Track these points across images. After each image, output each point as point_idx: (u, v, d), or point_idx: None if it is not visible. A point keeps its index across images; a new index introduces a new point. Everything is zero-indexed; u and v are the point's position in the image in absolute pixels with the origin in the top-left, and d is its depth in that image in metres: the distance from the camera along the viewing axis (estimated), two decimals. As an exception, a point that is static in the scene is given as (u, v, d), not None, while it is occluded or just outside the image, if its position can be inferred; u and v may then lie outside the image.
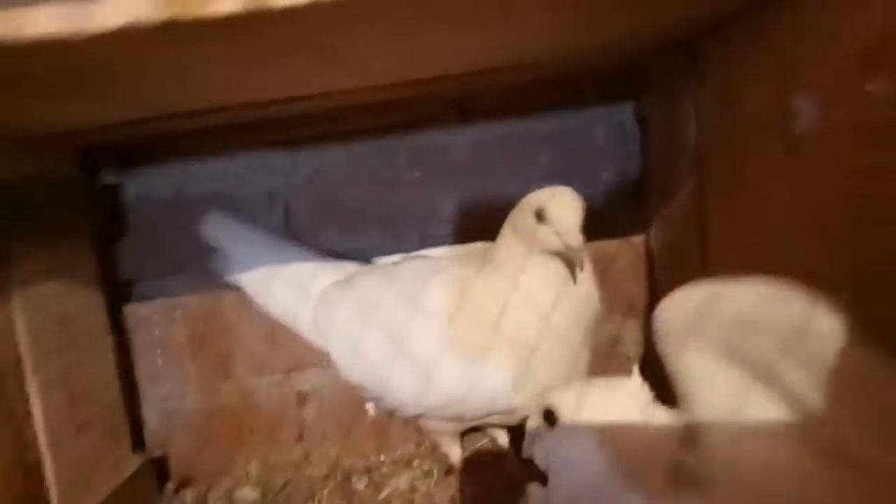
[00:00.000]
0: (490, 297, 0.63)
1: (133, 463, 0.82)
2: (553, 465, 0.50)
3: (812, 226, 0.43)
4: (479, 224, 0.84)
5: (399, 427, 0.87)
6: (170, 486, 0.86)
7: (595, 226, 0.81)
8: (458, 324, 0.64)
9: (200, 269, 0.86)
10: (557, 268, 0.62)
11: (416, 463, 0.83)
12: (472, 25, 0.46)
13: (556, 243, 0.60)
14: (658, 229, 0.77)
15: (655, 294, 0.81)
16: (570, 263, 0.61)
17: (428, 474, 0.80)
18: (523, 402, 0.63)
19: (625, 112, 0.83)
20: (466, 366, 0.64)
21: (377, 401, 0.75)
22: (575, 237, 0.59)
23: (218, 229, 0.80)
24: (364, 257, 0.81)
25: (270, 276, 0.77)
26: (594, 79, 0.82)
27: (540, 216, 0.60)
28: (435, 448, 0.85)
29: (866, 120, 0.36)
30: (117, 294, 0.85)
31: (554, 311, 0.62)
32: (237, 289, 0.84)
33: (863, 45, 0.36)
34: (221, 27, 0.39)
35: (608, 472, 0.45)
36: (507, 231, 0.65)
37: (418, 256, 0.76)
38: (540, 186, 0.82)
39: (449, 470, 0.80)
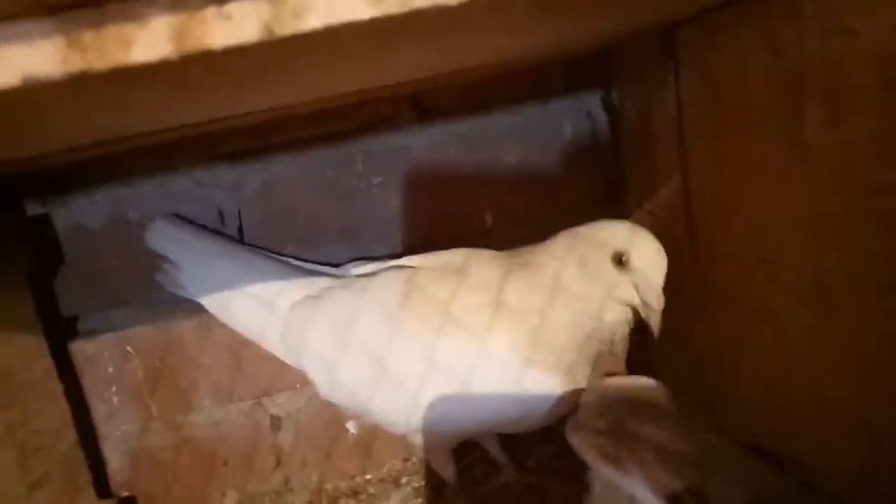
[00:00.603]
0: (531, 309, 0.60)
1: (99, 511, 0.76)
2: None
3: (826, 238, 0.40)
4: (447, 230, 0.80)
5: (383, 443, 0.84)
6: (138, 526, 0.81)
7: (570, 224, 0.79)
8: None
9: (149, 298, 0.80)
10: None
11: (404, 480, 0.80)
12: (449, 43, 0.41)
13: (633, 297, 0.56)
14: (638, 221, 0.74)
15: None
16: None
17: (419, 493, 0.77)
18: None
19: (593, 100, 0.79)
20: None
21: (361, 418, 0.71)
22: (658, 297, 0.54)
23: (164, 240, 0.73)
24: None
25: (231, 290, 0.71)
26: (560, 66, 0.78)
27: (620, 261, 0.55)
28: (424, 463, 0.83)
29: (886, 131, 0.33)
30: (60, 333, 0.78)
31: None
32: (194, 313, 0.78)
33: (886, 44, 0.32)
34: (152, 72, 0.33)
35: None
36: (566, 257, 0.59)
37: (392, 266, 0.71)
38: (508, 185, 0.80)
39: (440, 488, 0.77)
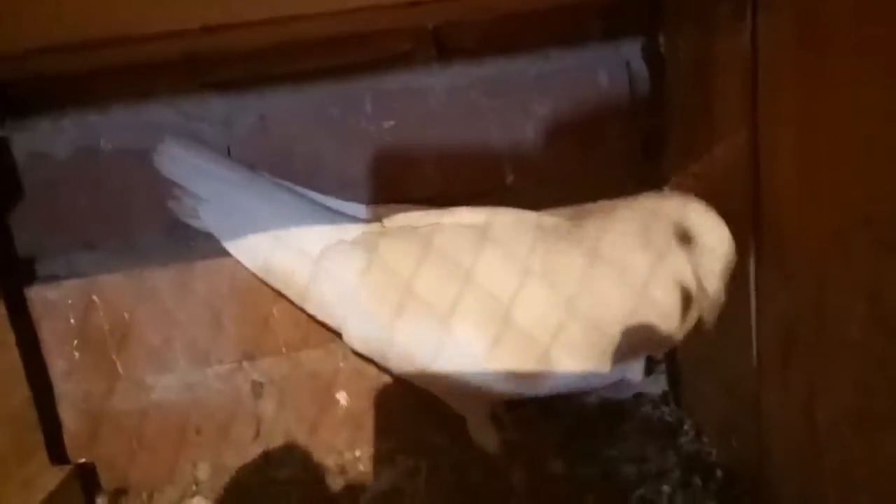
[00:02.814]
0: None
1: (52, 476, 0.68)
2: None
3: None
4: (462, 186, 0.72)
5: (376, 417, 0.76)
6: (101, 499, 0.73)
7: (599, 185, 0.72)
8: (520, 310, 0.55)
9: (120, 242, 0.71)
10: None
11: (399, 459, 0.73)
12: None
13: (689, 279, 0.51)
14: (681, 188, 0.66)
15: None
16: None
17: (415, 473, 0.70)
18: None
19: (632, 50, 0.71)
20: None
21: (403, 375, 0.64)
22: (717, 286, 0.49)
23: (177, 165, 0.65)
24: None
25: (254, 228, 0.64)
26: (596, 8, 0.69)
27: (684, 238, 0.50)
28: (419, 441, 0.75)
29: None
30: (16, 277, 0.69)
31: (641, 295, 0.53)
32: (171, 262, 0.69)
33: None
34: None
35: None
36: (628, 223, 0.53)
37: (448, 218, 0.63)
38: (534, 139, 0.72)
39: (439, 469, 0.70)
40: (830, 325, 0.47)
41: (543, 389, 0.59)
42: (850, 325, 0.45)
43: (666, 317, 0.53)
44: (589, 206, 0.61)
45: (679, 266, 0.51)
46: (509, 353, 0.57)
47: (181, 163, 0.65)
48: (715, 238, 0.50)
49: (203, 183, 0.64)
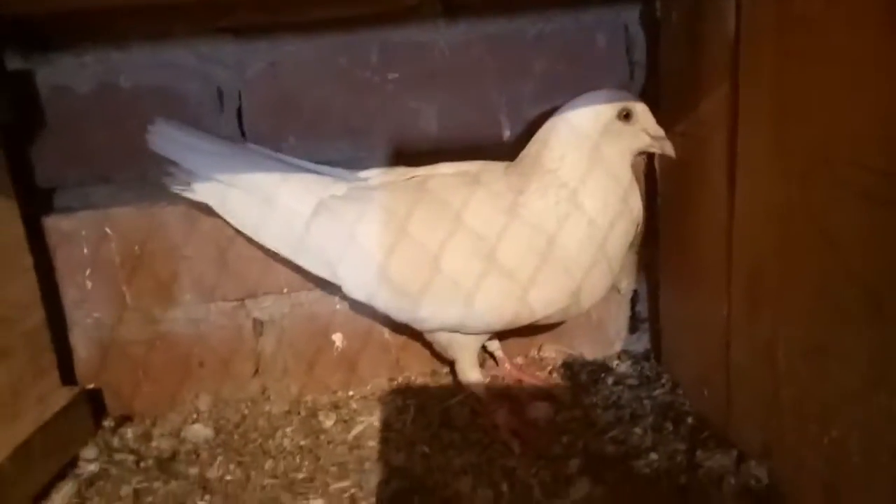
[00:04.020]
0: (549, 217, 0.62)
1: (62, 396, 0.72)
2: None
3: (887, 122, 0.36)
4: (461, 138, 0.75)
5: (369, 361, 0.80)
6: (108, 422, 0.76)
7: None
8: (508, 246, 0.61)
9: (135, 177, 0.74)
10: (617, 189, 0.63)
11: (389, 399, 0.76)
12: None
13: (645, 140, 0.64)
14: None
15: (656, 217, 0.74)
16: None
17: (403, 411, 0.74)
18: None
19: (631, 14, 0.73)
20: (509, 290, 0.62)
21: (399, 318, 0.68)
22: (661, 130, 0.64)
23: (168, 143, 0.68)
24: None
25: (244, 192, 0.67)
26: (597, -27, 0.72)
27: (626, 117, 0.63)
28: (409, 383, 0.79)
29: None
30: (35, 204, 0.72)
31: (611, 232, 0.63)
32: (182, 199, 0.73)
33: None
34: None
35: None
36: (566, 144, 0.63)
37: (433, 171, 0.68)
38: (532, 96, 0.75)
39: (427, 408, 0.74)
40: (792, 268, 0.50)
41: (521, 323, 0.62)
42: (810, 268, 0.48)
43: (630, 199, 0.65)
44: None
45: (636, 136, 0.64)
46: (494, 290, 0.61)
47: (173, 140, 0.67)
48: (639, 103, 0.63)
49: (194, 157, 0.67)
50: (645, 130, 0.63)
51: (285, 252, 0.68)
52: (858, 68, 0.40)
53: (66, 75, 0.70)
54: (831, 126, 0.43)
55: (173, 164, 0.68)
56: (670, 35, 0.67)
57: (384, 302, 0.66)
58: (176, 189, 0.69)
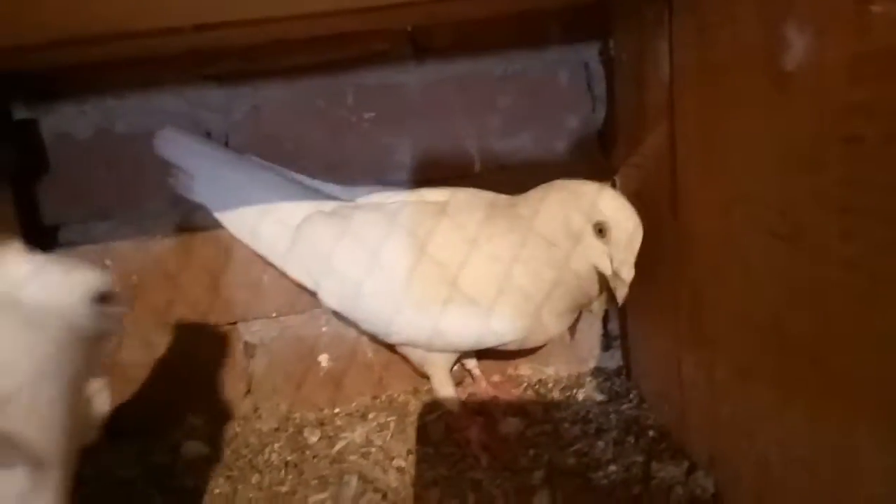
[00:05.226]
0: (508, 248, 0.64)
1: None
2: None
3: (796, 167, 0.40)
4: (435, 170, 0.80)
5: (354, 379, 0.85)
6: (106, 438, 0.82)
7: (558, 174, 0.79)
8: (466, 276, 0.65)
9: (132, 213, 0.80)
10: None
11: (371, 416, 0.81)
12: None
13: (606, 267, 0.60)
14: (626, 177, 0.74)
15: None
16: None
17: (384, 427, 0.78)
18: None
19: (590, 52, 0.78)
20: (473, 315, 0.65)
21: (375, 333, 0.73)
22: (629, 271, 0.58)
23: (174, 147, 0.73)
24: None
25: (241, 199, 0.72)
26: (558, 15, 0.77)
27: (601, 231, 0.59)
28: (392, 401, 0.84)
29: (865, 49, 0.33)
30: (40, 242, 0.78)
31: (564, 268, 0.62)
32: (176, 233, 0.78)
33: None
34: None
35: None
36: (554, 210, 0.62)
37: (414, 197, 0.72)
38: (499, 133, 0.80)
39: (405, 425, 0.78)
40: (721, 295, 0.54)
41: (487, 344, 0.67)
42: (733, 296, 0.52)
43: (584, 286, 0.62)
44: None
45: (595, 252, 0.60)
46: (457, 314, 0.65)
47: (178, 145, 0.73)
48: (629, 230, 0.59)
49: (197, 162, 0.73)
50: (612, 258, 0.59)
51: (274, 260, 0.73)
52: (756, 113, 0.45)
53: (68, 123, 0.76)
54: (741, 165, 0.48)
55: (177, 167, 0.73)
56: (622, 73, 0.72)
57: (359, 315, 0.71)
58: (179, 191, 0.74)
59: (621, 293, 0.60)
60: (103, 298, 0.51)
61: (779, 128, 0.42)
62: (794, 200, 0.41)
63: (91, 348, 0.51)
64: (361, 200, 0.73)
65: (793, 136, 0.40)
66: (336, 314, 0.78)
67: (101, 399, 0.54)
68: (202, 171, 0.73)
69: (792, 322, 0.43)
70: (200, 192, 0.73)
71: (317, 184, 0.76)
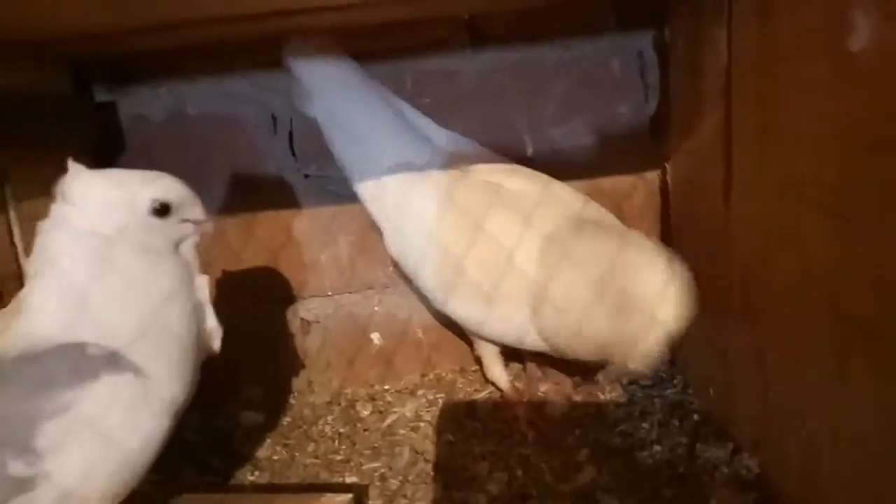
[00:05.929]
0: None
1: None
2: None
3: (858, 148, 0.41)
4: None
5: (404, 358, 0.88)
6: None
7: (609, 161, 0.81)
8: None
9: (200, 193, 0.84)
10: None
11: (420, 392, 0.84)
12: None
13: (629, 334, 0.61)
14: (677, 164, 0.75)
15: (670, 232, 0.80)
16: None
17: (433, 403, 0.81)
18: None
19: (644, 40, 0.79)
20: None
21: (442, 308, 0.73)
22: (654, 349, 0.60)
23: (302, 62, 0.74)
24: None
25: (349, 133, 0.74)
26: (613, 3, 0.78)
27: (631, 305, 0.60)
28: (440, 379, 0.87)
29: None
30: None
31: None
32: (239, 212, 0.82)
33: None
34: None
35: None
36: (591, 269, 0.62)
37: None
38: (552, 119, 0.81)
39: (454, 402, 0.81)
40: (776, 278, 0.55)
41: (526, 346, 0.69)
42: (787, 278, 0.53)
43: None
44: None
45: (621, 324, 0.60)
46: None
47: (308, 61, 0.74)
48: (663, 315, 0.59)
49: (320, 83, 0.73)
50: (636, 331, 0.60)
51: (363, 192, 0.75)
52: (817, 96, 0.46)
53: (144, 105, 0.81)
54: (798, 148, 0.48)
55: (301, 79, 0.74)
56: (677, 60, 0.73)
57: (424, 281, 0.72)
58: (296, 102, 0.76)
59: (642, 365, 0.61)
60: (164, 208, 0.52)
61: (840, 110, 0.42)
62: (853, 180, 0.42)
63: (177, 259, 0.54)
64: (464, 171, 0.72)
65: (855, 118, 0.41)
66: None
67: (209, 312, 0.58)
68: (324, 92, 0.74)
69: (848, 301, 0.44)
70: (315, 109, 0.74)
71: (430, 128, 0.77)
